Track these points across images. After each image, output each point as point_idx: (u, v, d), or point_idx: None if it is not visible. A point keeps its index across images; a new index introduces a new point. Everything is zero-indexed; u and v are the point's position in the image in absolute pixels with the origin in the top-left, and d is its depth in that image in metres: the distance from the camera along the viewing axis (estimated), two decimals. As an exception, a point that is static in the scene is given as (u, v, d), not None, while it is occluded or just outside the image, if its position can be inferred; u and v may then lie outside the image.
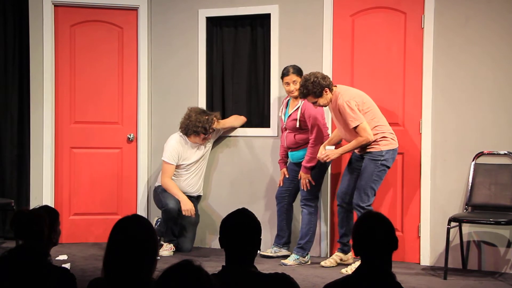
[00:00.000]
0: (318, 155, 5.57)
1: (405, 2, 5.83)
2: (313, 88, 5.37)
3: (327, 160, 5.53)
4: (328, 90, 5.41)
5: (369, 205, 5.44)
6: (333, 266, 5.61)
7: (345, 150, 5.48)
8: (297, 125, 5.77)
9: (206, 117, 6.17)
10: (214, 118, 6.25)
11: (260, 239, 2.95)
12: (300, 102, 5.76)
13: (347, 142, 5.56)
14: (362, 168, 5.49)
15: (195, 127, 6.15)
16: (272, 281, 2.84)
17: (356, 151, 5.56)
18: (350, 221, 5.66)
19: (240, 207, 3.07)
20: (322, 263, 5.67)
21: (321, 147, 5.63)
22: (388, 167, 5.49)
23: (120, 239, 2.67)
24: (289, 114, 5.86)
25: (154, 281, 2.69)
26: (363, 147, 5.46)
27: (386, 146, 5.45)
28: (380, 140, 5.44)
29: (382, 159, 5.42)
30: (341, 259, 5.66)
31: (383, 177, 5.49)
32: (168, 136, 6.38)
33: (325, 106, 5.52)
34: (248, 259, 2.89)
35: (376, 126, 5.45)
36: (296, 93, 5.76)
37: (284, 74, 5.84)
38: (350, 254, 5.69)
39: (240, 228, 2.90)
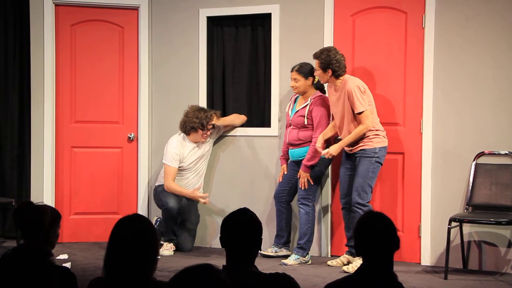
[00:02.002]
0: (318, 144, 5.59)
1: (406, 2, 5.82)
2: (323, 59, 5.54)
3: (330, 157, 5.57)
4: (331, 72, 5.53)
5: (368, 202, 5.48)
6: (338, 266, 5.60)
7: (345, 143, 5.51)
8: (305, 122, 5.80)
9: (205, 114, 6.20)
10: (213, 114, 6.26)
11: (261, 238, 2.95)
12: (309, 100, 5.79)
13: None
14: (357, 166, 5.51)
15: (192, 123, 6.18)
16: (273, 281, 2.83)
17: (347, 149, 5.58)
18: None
19: (241, 207, 3.07)
20: (329, 262, 5.67)
21: (320, 137, 5.65)
22: (381, 164, 5.55)
23: (120, 239, 2.67)
24: (297, 110, 5.88)
25: (157, 280, 2.69)
26: (354, 144, 5.51)
27: (379, 144, 5.52)
28: (373, 137, 5.51)
29: (375, 156, 5.49)
30: (348, 261, 5.64)
31: (377, 174, 5.55)
32: (169, 135, 6.38)
33: (320, 81, 5.72)
34: (248, 258, 2.89)
35: (373, 123, 5.53)
36: (296, 90, 5.89)
37: (291, 70, 5.91)
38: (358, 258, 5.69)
39: (241, 227, 2.90)
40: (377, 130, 5.55)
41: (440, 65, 5.71)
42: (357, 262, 5.39)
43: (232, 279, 2.79)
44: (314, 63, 5.65)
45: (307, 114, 5.80)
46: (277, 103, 6.31)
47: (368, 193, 5.49)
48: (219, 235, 2.95)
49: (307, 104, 5.81)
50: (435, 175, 5.74)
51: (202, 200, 6.15)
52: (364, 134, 5.48)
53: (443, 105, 5.72)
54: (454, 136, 5.70)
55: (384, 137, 5.59)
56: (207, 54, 6.58)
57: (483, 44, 5.59)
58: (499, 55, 5.55)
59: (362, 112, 5.43)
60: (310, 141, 5.77)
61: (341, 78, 5.59)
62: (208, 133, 6.27)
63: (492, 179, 5.54)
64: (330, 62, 5.51)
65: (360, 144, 5.52)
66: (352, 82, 5.53)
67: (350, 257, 5.66)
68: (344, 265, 5.60)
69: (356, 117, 5.49)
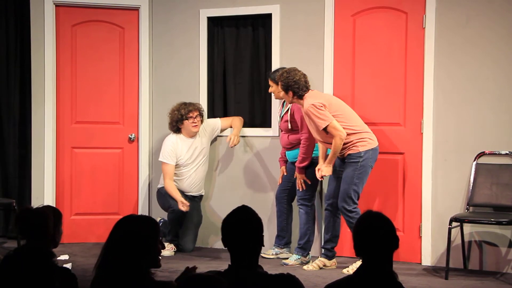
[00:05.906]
0: (317, 175, 5.59)
1: (406, 2, 5.83)
2: (282, 82, 5.51)
3: (323, 179, 5.60)
4: (292, 93, 5.49)
5: (355, 207, 5.41)
6: (315, 270, 5.55)
7: (331, 160, 5.44)
8: (289, 127, 5.80)
9: (184, 106, 6.26)
10: (197, 104, 6.31)
11: (263, 235, 2.94)
12: (290, 105, 5.78)
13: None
14: (343, 172, 5.47)
15: (175, 116, 6.25)
16: (278, 282, 2.84)
17: (339, 155, 5.51)
18: (336, 226, 5.64)
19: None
20: (304, 267, 5.62)
21: (320, 163, 5.58)
22: (371, 166, 5.46)
23: (120, 236, 2.67)
24: (282, 115, 5.90)
25: (158, 281, 2.70)
26: (343, 150, 5.42)
27: (364, 147, 5.41)
28: (357, 142, 5.41)
29: (361, 160, 5.39)
30: (324, 265, 5.61)
31: (366, 178, 5.46)
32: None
33: (287, 102, 5.73)
34: (252, 257, 2.89)
35: (351, 129, 5.41)
36: (275, 97, 5.94)
37: None
38: (334, 260, 5.67)
39: (242, 225, 2.91)
40: (360, 133, 5.44)
41: (441, 65, 5.71)
42: (357, 263, 5.38)
43: (238, 280, 2.80)
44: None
45: (290, 118, 5.79)
46: (277, 104, 6.30)
47: (354, 198, 5.41)
48: (221, 237, 2.95)
49: (289, 109, 5.82)
50: (436, 175, 5.74)
51: (180, 206, 6.10)
52: (350, 141, 5.39)
53: (443, 105, 5.72)
54: (454, 136, 5.70)
55: (370, 139, 5.47)
56: (208, 54, 6.58)
57: (483, 44, 5.59)
58: (499, 55, 5.55)
59: (327, 126, 5.34)
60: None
61: (304, 97, 5.50)
62: (196, 120, 6.25)
63: (492, 179, 5.54)
64: (288, 84, 5.47)
65: (346, 150, 5.46)
66: (306, 102, 5.43)
67: (325, 261, 5.63)
68: (320, 268, 5.58)
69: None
